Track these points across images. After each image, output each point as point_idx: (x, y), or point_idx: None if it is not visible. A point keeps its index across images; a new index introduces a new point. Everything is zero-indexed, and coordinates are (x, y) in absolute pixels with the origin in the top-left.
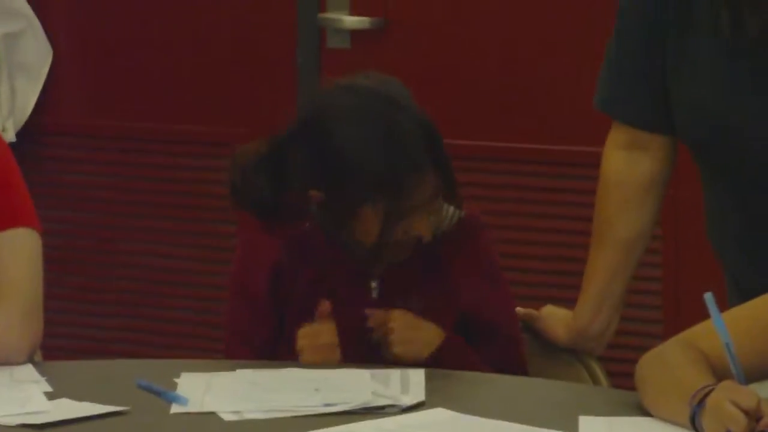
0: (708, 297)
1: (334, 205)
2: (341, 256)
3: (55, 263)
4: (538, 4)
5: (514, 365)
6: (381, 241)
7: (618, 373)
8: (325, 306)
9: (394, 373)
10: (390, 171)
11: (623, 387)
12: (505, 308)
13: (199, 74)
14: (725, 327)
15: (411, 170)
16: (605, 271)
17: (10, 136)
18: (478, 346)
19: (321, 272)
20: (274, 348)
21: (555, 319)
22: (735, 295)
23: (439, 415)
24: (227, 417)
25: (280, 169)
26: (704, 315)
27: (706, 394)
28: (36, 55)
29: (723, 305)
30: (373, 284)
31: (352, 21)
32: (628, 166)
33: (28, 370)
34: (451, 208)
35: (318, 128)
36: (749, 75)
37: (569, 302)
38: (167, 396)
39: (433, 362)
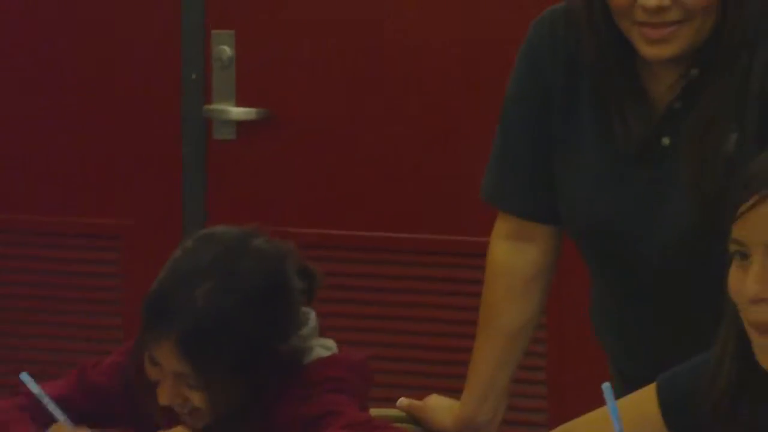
0: (606, 387)
1: None
2: None
3: None
4: (422, 95)
5: None
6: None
7: None
8: None
9: None
10: None
11: None
12: None
13: (84, 166)
14: (620, 417)
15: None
16: (491, 360)
17: None
18: None
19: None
20: None
21: (441, 409)
22: (620, 385)
23: None
24: None
25: None
26: (588, 405)
27: None
28: None
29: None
30: None
31: (238, 112)
32: (514, 256)
33: None
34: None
35: None
36: (628, 177)
37: (455, 392)
38: None
39: None
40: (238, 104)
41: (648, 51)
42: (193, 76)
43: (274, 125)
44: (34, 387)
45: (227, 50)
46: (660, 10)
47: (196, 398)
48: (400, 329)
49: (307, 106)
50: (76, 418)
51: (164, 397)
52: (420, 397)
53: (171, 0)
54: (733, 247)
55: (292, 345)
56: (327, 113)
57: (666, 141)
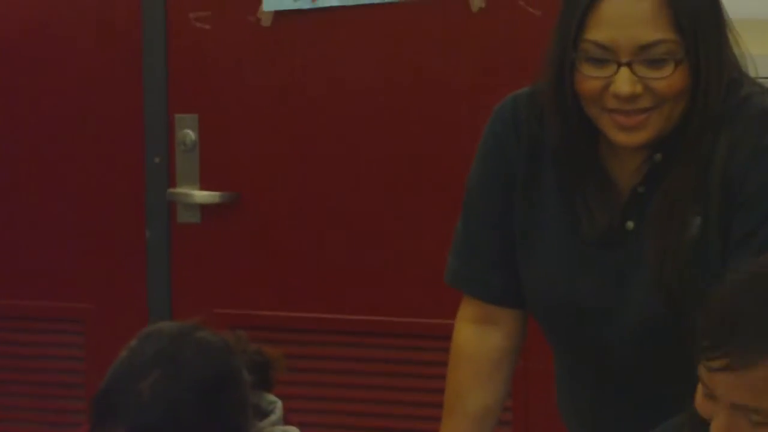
0: None
1: None
2: None
3: None
4: (386, 177)
5: None
6: None
7: None
8: None
9: None
10: None
11: None
12: None
13: (48, 250)
14: None
15: None
16: None
17: None
18: None
19: None
20: None
21: None
22: None
23: None
24: None
25: None
26: None
27: None
28: None
29: None
30: None
31: (202, 195)
32: (479, 339)
33: None
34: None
35: None
36: (592, 261)
37: None
38: None
39: None
40: (203, 188)
41: (620, 138)
42: (157, 160)
43: (239, 208)
44: None
45: (191, 134)
46: (632, 97)
47: None
48: (366, 412)
49: (271, 188)
50: None
51: None
52: None
53: (133, 83)
54: (700, 383)
55: None
56: (291, 196)
57: (630, 225)
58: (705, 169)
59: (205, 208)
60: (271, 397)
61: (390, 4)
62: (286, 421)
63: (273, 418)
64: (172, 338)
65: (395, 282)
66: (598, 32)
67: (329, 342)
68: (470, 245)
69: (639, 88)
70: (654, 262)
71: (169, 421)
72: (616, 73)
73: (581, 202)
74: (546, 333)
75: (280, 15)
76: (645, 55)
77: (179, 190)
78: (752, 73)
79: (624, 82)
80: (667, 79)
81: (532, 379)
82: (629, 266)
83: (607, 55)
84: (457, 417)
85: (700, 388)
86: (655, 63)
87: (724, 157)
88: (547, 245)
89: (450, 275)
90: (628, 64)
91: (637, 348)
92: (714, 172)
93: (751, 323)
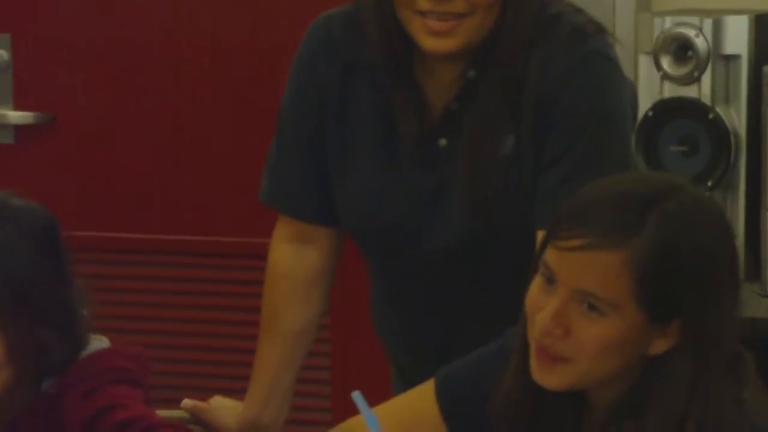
0: (355, 396)
1: None
2: None
3: None
4: (200, 97)
5: None
6: None
7: None
8: None
9: None
10: None
11: None
12: None
13: None
14: (376, 420)
15: None
16: (274, 361)
17: None
18: None
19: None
20: None
21: (225, 409)
22: (399, 382)
23: None
24: None
25: None
26: (371, 402)
27: None
28: None
29: (388, 393)
30: None
31: (16, 116)
32: (295, 258)
33: None
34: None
35: None
36: (406, 179)
37: (239, 393)
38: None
39: None
40: (16, 108)
41: (429, 43)
42: None
43: (53, 129)
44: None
45: (4, 54)
46: None
47: None
48: (180, 331)
49: (86, 108)
50: None
51: None
52: (204, 399)
53: None
54: (541, 267)
55: (69, 300)
56: (105, 115)
57: (443, 142)
58: (518, 87)
59: (18, 128)
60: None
61: None
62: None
63: (83, 323)
64: None
65: (211, 201)
66: None
67: (143, 262)
68: (284, 165)
69: None
70: (466, 179)
71: (3, 269)
72: None
73: (396, 121)
74: (362, 250)
75: None
76: None
77: None
78: None
79: None
80: None
81: (349, 297)
82: (443, 185)
83: None
84: (274, 335)
85: (534, 282)
86: None
87: (537, 75)
88: (361, 166)
89: (264, 194)
90: None
91: (452, 268)
92: (527, 90)
93: (616, 209)
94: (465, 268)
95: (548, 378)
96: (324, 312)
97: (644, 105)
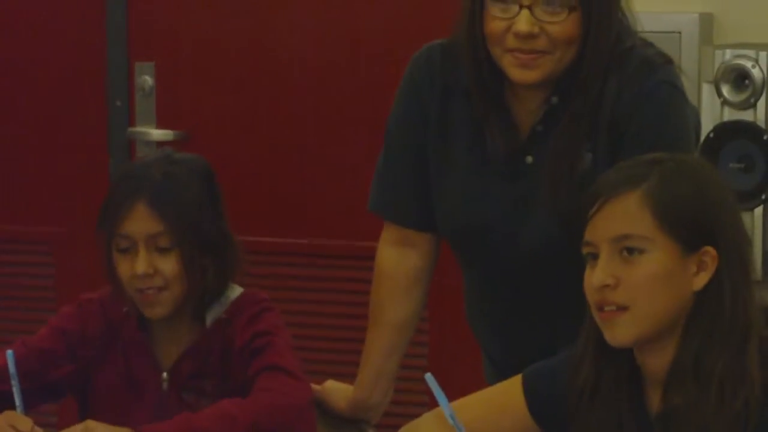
0: (428, 377)
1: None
2: (145, 343)
3: None
4: (318, 116)
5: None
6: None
7: None
8: None
9: None
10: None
11: None
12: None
13: (23, 179)
14: (447, 401)
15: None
16: (381, 350)
17: None
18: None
19: (126, 359)
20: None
21: (337, 392)
22: (491, 371)
23: None
24: None
25: None
26: (464, 388)
27: None
28: None
29: (481, 381)
30: (164, 375)
31: (158, 134)
32: (398, 260)
33: None
34: (234, 290)
35: None
36: (497, 191)
37: (349, 377)
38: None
39: None
40: (158, 127)
41: (517, 74)
42: (118, 103)
43: (190, 145)
44: (12, 367)
45: (148, 80)
46: (529, 36)
47: (168, 266)
48: (301, 323)
49: (218, 127)
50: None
51: (140, 264)
52: (318, 383)
53: (97, 34)
54: (585, 250)
55: (225, 232)
56: (236, 132)
57: (530, 159)
58: (596, 111)
59: (160, 144)
60: None
61: None
62: None
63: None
64: (161, 150)
65: (329, 209)
66: None
67: (271, 262)
68: (390, 177)
69: (536, 29)
70: (548, 193)
71: (178, 191)
72: (518, 14)
73: (489, 136)
74: (456, 253)
75: None
76: (544, 1)
77: (138, 129)
78: (636, 28)
79: (523, 21)
80: (561, 24)
81: (445, 293)
82: (529, 197)
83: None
84: (381, 327)
85: (587, 270)
86: (552, 7)
87: (612, 100)
88: (458, 177)
89: (372, 204)
90: (528, 7)
91: (537, 269)
92: (603, 114)
93: (623, 170)
94: (549, 269)
95: (616, 332)
96: (423, 306)
97: (706, 128)
